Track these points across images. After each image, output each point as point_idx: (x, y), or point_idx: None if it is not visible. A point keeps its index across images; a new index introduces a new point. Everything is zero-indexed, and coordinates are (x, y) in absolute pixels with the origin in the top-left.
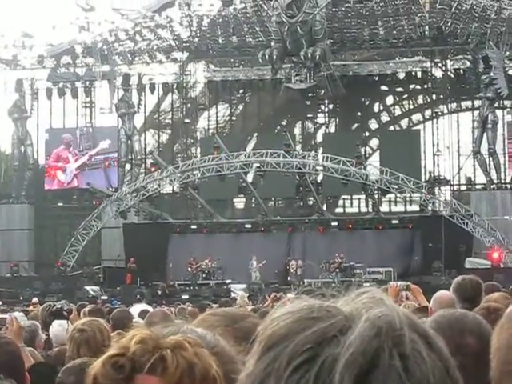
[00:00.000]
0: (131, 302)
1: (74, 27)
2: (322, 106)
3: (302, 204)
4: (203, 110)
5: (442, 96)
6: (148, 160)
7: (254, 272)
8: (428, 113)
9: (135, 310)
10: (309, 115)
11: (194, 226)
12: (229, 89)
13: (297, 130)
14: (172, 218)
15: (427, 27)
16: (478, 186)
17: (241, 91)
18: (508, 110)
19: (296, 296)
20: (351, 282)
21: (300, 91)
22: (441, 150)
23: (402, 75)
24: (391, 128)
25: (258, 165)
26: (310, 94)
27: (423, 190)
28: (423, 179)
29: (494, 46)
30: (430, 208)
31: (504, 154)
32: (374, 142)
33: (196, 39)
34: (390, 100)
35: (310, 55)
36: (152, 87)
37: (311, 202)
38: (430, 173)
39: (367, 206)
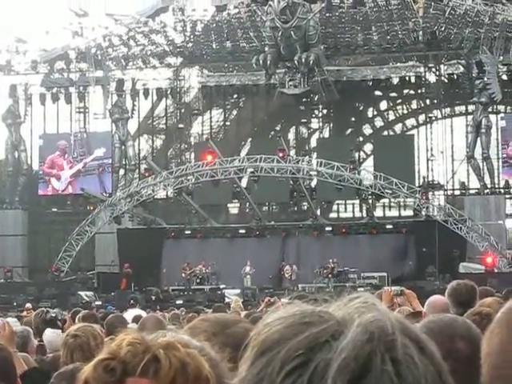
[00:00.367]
0: (126, 307)
1: (67, 32)
2: (316, 111)
3: (296, 209)
4: (197, 115)
5: (435, 101)
6: (142, 165)
7: (245, 277)
8: (422, 118)
9: (129, 315)
10: (303, 120)
11: (188, 231)
12: (223, 94)
13: (291, 135)
14: (166, 224)
15: (421, 32)
16: (471, 191)
17: (235, 96)
18: (502, 115)
19: (289, 301)
20: (344, 287)
21: (294, 96)
22: (434, 155)
23: (395, 80)
24: (385, 133)
25: (252, 170)
26: (303, 99)
27: (417, 195)
28: (417, 184)
29: (488, 50)
30: (423, 213)
31: (498, 158)
32: (368, 147)
33: (190, 44)
34: (383, 105)
35: (303, 60)
36: (146, 92)
37: (305, 207)
38: (423, 178)
39: (361, 210)
